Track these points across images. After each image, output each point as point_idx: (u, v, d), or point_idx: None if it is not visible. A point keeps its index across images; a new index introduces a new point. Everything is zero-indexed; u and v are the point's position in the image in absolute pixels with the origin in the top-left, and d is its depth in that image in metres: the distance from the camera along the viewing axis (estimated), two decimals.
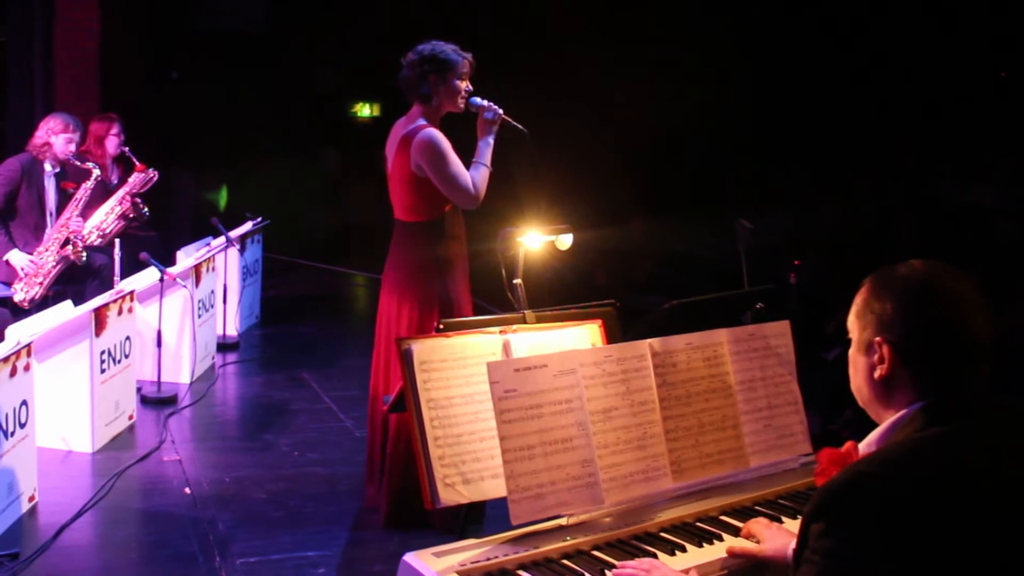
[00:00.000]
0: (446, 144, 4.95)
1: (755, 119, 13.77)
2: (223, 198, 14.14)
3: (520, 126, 5.08)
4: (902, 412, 2.15)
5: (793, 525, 2.96)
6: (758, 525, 2.86)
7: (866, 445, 2.23)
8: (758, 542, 2.81)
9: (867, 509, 1.95)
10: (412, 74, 5.03)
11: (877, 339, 2.16)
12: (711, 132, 13.46)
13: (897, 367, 2.15)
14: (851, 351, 2.28)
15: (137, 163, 8.27)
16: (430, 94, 5.02)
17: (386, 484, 5.08)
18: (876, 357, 2.17)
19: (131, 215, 8.08)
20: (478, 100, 5.09)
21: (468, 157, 5.06)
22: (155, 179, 8.29)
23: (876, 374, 2.18)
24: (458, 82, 5.06)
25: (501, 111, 5.09)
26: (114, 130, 8.50)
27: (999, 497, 2.00)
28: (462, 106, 5.10)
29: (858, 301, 2.26)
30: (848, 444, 2.34)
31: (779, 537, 2.77)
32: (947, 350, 2.12)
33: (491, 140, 5.09)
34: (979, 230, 9.19)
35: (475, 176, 5.01)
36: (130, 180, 8.19)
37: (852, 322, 2.28)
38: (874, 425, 2.26)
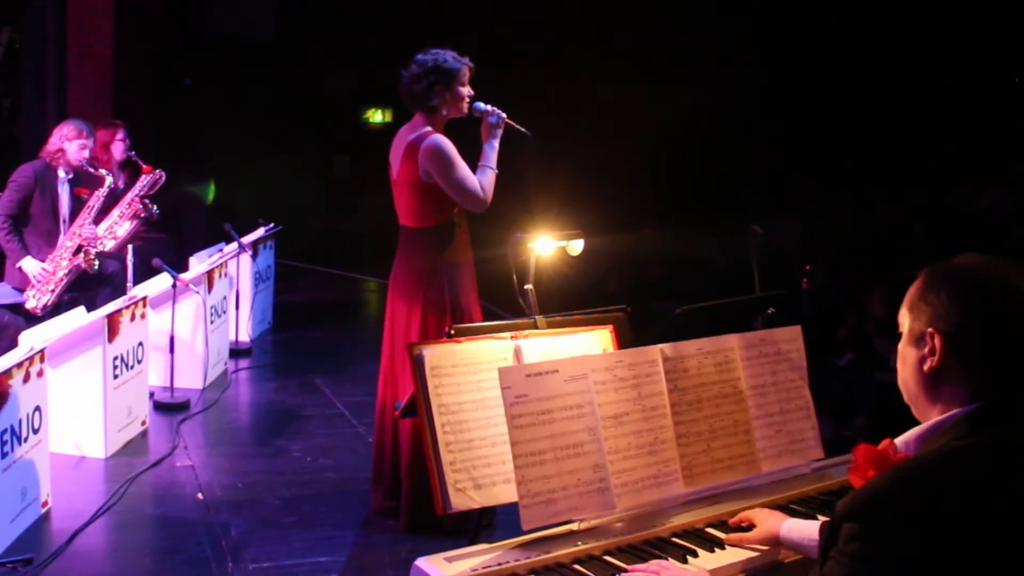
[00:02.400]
0: (453, 149, 4.99)
1: (768, 124, 13.76)
2: (211, 192, 14.15)
3: (524, 129, 5.11)
4: (945, 415, 2.11)
5: None
6: (751, 512, 2.90)
7: (903, 444, 2.19)
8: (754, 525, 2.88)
9: (900, 517, 1.93)
10: (420, 87, 5.06)
11: (929, 330, 2.12)
12: (724, 137, 13.45)
13: (948, 359, 2.10)
14: (901, 344, 2.23)
15: (143, 165, 8.31)
16: (438, 105, 5.06)
17: (404, 489, 5.09)
18: (927, 349, 2.13)
19: (142, 215, 8.11)
20: (481, 105, 5.13)
21: (472, 161, 5.08)
22: (163, 180, 8.33)
23: (926, 366, 2.13)
24: (461, 88, 5.10)
25: (504, 115, 5.13)
26: (119, 135, 8.52)
27: None
28: (465, 111, 5.13)
29: (911, 293, 2.22)
30: (885, 442, 2.30)
31: (769, 519, 2.81)
32: (1001, 342, 2.07)
33: (496, 143, 5.14)
34: (991, 235, 9.16)
35: (482, 179, 5.06)
36: (138, 182, 8.23)
37: (903, 314, 2.23)
38: (886, 432, 2.25)
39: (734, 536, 2.88)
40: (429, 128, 5.08)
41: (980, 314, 2.08)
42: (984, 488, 1.97)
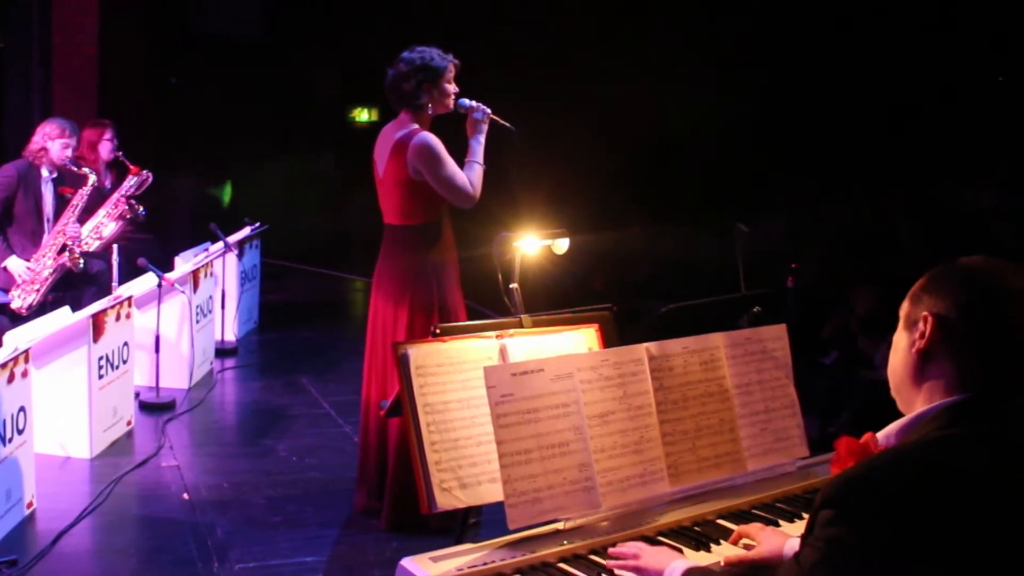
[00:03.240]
0: (441, 147, 5.01)
1: (754, 122, 13.77)
2: (227, 194, 14.13)
3: (508, 124, 5.13)
4: (926, 408, 2.14)
5: (790, 528, 2.96)
6: (753, 528, 2.87)
7: (885, 436, 2.21)
8: (753, 544, 2.82)
9: (876, 503, 1.95)
10: (409, 85, 5.07)
11: (924, 314, 2.15)
12: (710, 135, 13.46)
13: (937, 343, 2.12)
14: (896, 333, 2.27)
15: (131, 166, 8.28)
16: (426, 103, 5.07)
17: (388, 488, 5.08)
18: (919, 333, 2.16)
19: (128, 216, 8.09)
20: (466, 101, 5.16)
21: (458, 157, 5.09)
22: (149, 181, 8.30)
23: (915, 348, 2.16)
24: (447, 86, 5.12)
25: (489, 110, 5.14)
26: (107, 135, 8.49)
27: (1011, 505, 1.99)
28: (451, 107, 5.14)
29: (915, 287, 2.25)
30: (867, 435, 2.33)
31: (774, 538, 2.77)
32: (991, 338, 2.09)
33: (482, 139, 5.17)
34: (979, 234, 9.19)
35: (470, 175, 5.07)
36: (125, 183, 8.20)
37: (904, 306, 2.26)
38: (871, 430, 2.26)
39: (734, 556, 2.83)
40: (416, 126, 5.09)
41: (976, 307, 2.11)
42: (960, 478, 1.99)
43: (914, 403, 2.19)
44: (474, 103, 5.15)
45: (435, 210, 5.14)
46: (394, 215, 5.20)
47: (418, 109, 5.10)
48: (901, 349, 2.22)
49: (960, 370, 2.11)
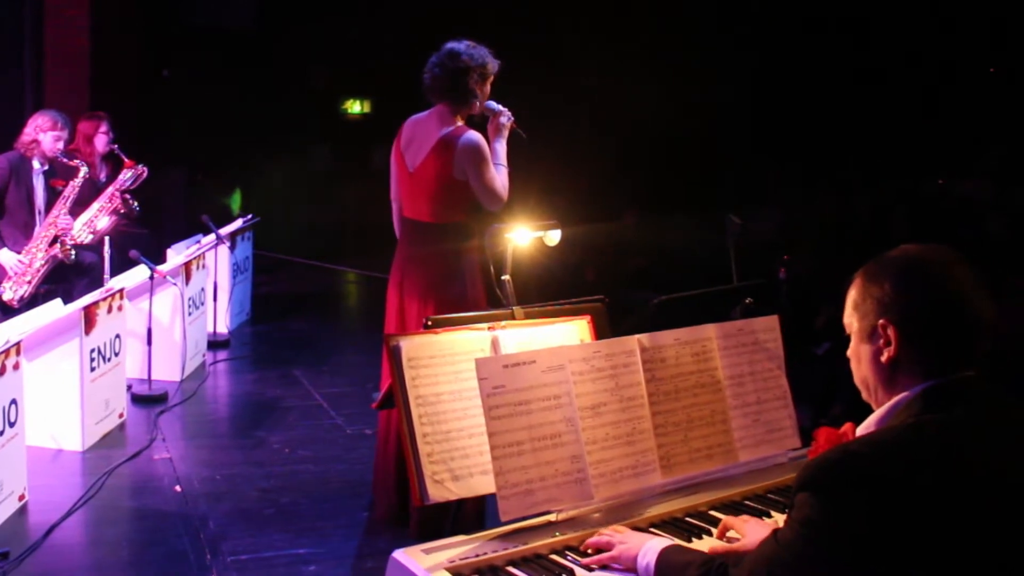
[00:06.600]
0: (487, 148, 4.96)
1: (746, 114, 13.77)
2: (236, 201, 14.09)
3: (523, 132, 5.10)
4: (901, 396, 2.16)
5: (781, 519, 2.97)
6: (737, 521, 2.86)
7: (864, 427, 2.24)
8: (739, 537, 2.81)
9: (848, 486, 1.99)
10: (472, 82, 4.98)
11: (881, 322, 2.16)
12: (703, 127, 13.46)
13: (903, 347, 2.15)
14: (852, 344, 2.28)
15: (126, 160, 8.26)
16: (477, 101, 5.03)
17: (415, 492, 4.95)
18: (882, 341, 2.17)
19: (121, 210, 8.07)
20: (494, 104, 5.09)
21: None
22: (144, 175, 8.27)
23: (883, 357, 2.17)
24: (488, 87, 5.09)
25: (512, 116, 5.10)
26: (102, 128, 8.47)
27: (983, 488, 2.02)
28: (481, 108, 5.11)
29: (853, 293, 2.26)
30: (846, 425, 2.36)
31: (759, 530, 2.77)
32: (950, 320, 2.13)
33: (504, 142, 5.09)
34: (970, 227, 9.21)
35: (502, 178, 5.02)
36: (119, 177, 8.18)
37: (849, 315, 2.28)
38: (864, 418, 2.27)
39: (720, 546, 2.82)
40: (461, 123, 5.03)
41: (925, 297, 2.14)
42: (937, 463, 2.02)
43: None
44: (501, 107, 5.10)
45: (467, 208, 5.06)
46: (426, 212, 5.07)
47: (468, 107, 5.04)
48: (867, 360, 2.24)
49: (927, 362, 2.15)
